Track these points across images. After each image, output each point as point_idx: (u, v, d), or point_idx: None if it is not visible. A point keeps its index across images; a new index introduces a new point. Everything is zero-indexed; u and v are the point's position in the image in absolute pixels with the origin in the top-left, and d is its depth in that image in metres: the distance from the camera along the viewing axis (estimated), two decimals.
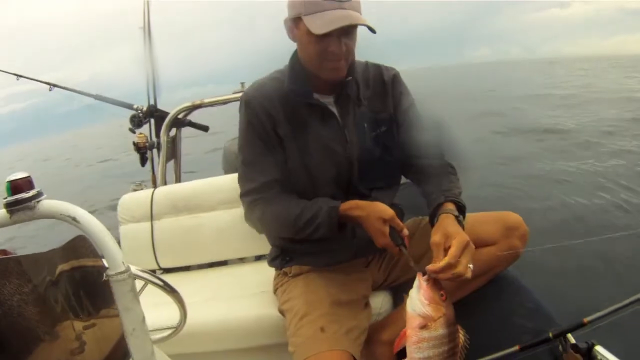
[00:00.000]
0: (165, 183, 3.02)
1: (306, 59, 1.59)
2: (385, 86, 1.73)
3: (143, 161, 3.02)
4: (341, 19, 1.44)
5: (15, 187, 0.87)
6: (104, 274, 0.90)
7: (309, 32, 1.46)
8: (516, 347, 1.08)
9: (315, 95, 1.63)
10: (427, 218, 1.66)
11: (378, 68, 1.75)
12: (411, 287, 1.26)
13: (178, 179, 3.23)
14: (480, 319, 1.62)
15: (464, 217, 1.53)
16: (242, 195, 1.69)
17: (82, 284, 1.02)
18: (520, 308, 1.68)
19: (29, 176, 0.88)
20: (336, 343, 1.48)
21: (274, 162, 1.64)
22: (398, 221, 1.47)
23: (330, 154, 1.64)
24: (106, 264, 0.90)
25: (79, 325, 1.00)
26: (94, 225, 0.89)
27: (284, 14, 1.57)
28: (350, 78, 1.63)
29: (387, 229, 1.46)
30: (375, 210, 1.49)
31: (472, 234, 1.54)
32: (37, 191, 0.88)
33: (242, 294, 2.09)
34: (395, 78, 1.75)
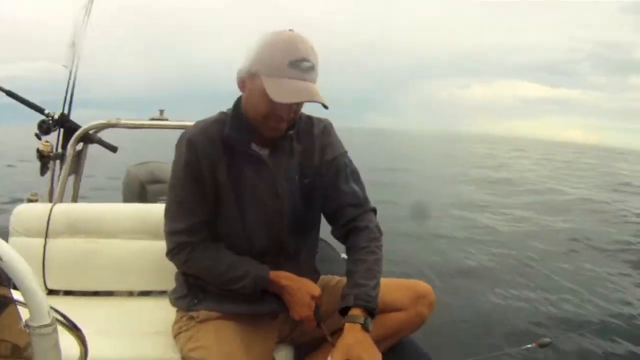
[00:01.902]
0: (62, 198, 2.81)
1: (251, 113, 1.59)
2: (313, 138, 1.75)
3: (43, 170, 2.79)
4: (302, 93, 1.47)
5: None
6: (23, 323, 0.80)
7: (263, 92, 1.46)
8: None
9: (254, 147, 1.64)
10: (336, 278, 1.82)
11: (310, 120, 1.78)
12: (314, 345, 1.65)
13: (76, 196, 3.02)
14: None
15: (373, 317, 1.57)
16: (168, 233, 1.67)
17: None
18: None
19: None
20: None
21: (205, 206, 1.63)
22: (321, 299, 1.65)
23: (262, 206, 1.66)
24: (24, 314, 0.80)
25: None
26: (18, 264, 0.78)
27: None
28: (290, 133, 1.65)
29: (313, 304, 1.62)
30: (305, 285, 1.65)
31: (382, 300, 1.66)
32: None
33: (135, 331, 1.95)
34: (325, 129, 1.78)
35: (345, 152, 1.80)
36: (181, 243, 1.64)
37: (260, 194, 1.66)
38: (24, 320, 0.81)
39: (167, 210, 1.69)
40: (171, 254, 1.68)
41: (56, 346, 0.82)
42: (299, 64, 1.46)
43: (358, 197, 1.76)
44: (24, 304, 0.86)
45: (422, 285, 1.82)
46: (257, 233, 1.69)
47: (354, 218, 1.73)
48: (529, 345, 1.62)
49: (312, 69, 1.49)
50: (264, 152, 1.66)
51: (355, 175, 1.79)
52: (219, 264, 1.64)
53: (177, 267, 1.80)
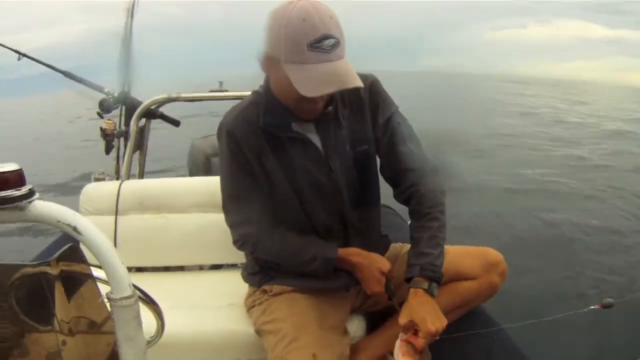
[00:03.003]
0: (129, 175, 2.84)
1: (282, 98, 1.47)
2: (362, 100, 1.60)
3: (108, 149, 2.83)
4: (331, 81, 1.31)
5: (2, 181, 0.73)
6: (105, 295, 0.77)
7: (290, 81, 1.32)
8: None
9: (294, 127, 1.52)
10: (406, 246, 1.72)
11: None
12: (386, 314, 1.70)
13: (142, 172, 3.06)
14: None
15: (438, 282, 1.53)
16: (230, 226, 1.65)
17: (66, 290, 0.87)
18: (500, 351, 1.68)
19: (20, 169, 0.74)
20: None
21: (260, 194, 1.57)
22: (392, 273, 1.61)
23: (317, 186, 1.58)
24: (106, 287, 0.77)
25: (57, 338, 0.85)
26: (98, 239, 0.76)
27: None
28: (330, 108, 1.53)
29: (383, 280, 1.59)
30: (375, 260, 1.61)
31: (453, 268, 1.63)
32: (29, 189, 0.74)
33: (207, 305, 1.96)
34: (372, 87, 1.61)
35: (397, 108, 1.65)
36: (244, 235, 1.62)
37: (313, 173, 1.57)
38: (104, 295, 0.78)
39: (223, 204, 1.65)
40: (237, 244, 1.66)
41: (137, 317, 0.81)
42: (320, 44, 1.28)
43: (417, 159, 1.64)
44: (102, 281, 0.84)
45: (493, 253, 1.75)
46: (317, 213, 1.62)
47: (415, 182, 1.64)
48: (592, 307, 1.52)
49: (336, 44, 1.31)
50: (309, 129, 1.55)
51: (410, 133, 1.66)
52: (286, 250, 1.61)
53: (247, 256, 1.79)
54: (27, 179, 0.73)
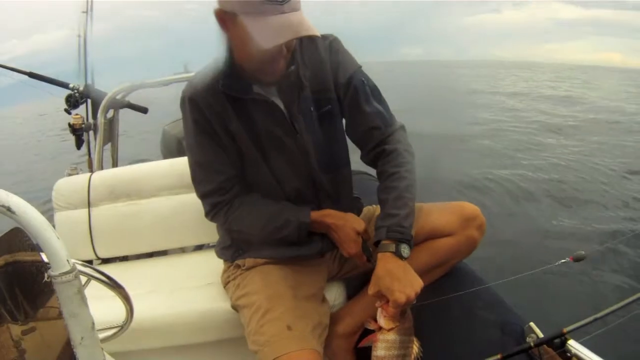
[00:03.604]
0: (102, 167, 2.82)
1: (242, 57, 1.43)
2: (322, 61, 1.57)
3: (79, 144, 2.81)
4: (285, 30, 1.27)
5: None
6: (46, 274, 0.77)
7: (248, 34, 1.28)
8: (498, 356, 1.07)
9: (256, 89, 1.49)
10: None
11: (313, 41, 1.58)
12: (365, 279, 1.55)
13: (115, 163, 3.03)
14: (454, 324, 1.62)
15: (409, 244, 1.46)
16: (201, 197, 1.61)
17: (17, 281, 0.87)
18: (486, 307, 1.67)
19: None
20: (305, 342, 1.42)
21: (228, 160, 1.55)
22: (369, 233, 1.57)
23: (283, 148, 1.56)
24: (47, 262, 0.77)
25: (16, 330, 0.85)
26: (32, 216, 0.74)
27: None
28: (292, 68, 1.50)
29: (360, 240, 1.56)
30: (350, 221, 1.57)
31: (428, 226, 1.62)
32: None
33: (186, 286, 1.97)
34: (332, 47, 1.60)
35: (360, 67, 1.62)
36: (215, 204, 1.59)
37: (278, 136, 1.54)
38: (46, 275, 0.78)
39: (192, 175, 1.62)
40: (209, 215, 1.63)
41: (80, 293, 0.79)
42: None
43: (383, 117, 1.61)
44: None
45: (470, 207, 1.71)
46: (286, 176, 1.60)
47: (381, 141, 1.61)
48: (563, 260, 1.53)
49: None
50: (271, 92, 1.52)
51: (375, 92, 1.63)
52: (259, 217, 1.58)
53: (219, 226, 1.77)
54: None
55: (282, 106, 1.53)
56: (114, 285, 1.15)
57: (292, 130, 1.55)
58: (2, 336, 0.85)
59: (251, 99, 1.49)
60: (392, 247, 1.43)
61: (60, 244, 0.76)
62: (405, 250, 1.43)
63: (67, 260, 0.76)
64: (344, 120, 1.67)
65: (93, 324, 0.83)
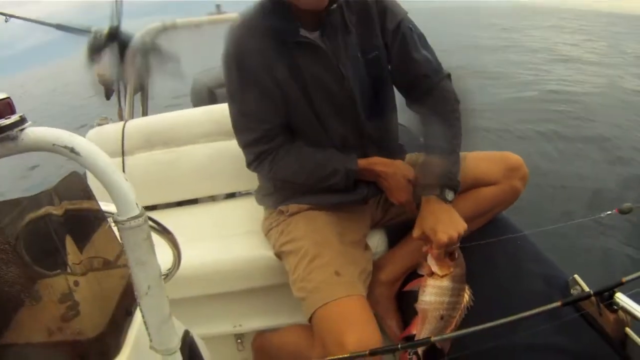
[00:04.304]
0: (132, 115, 2.78)
1: None
2: (368, 6, 1.53)
3: (108, 93, 2.73)
4: None
5: None
6: (111, 219, 0.73)
7: None
8: (558, 303, 1.03)
9: (303, 32, 1.44)
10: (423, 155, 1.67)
11: None
12: (407, 227, 1.56)
13: (145, 112, 2.98)
14: (499, 275, 1.59)
15: (455, 190, 1.48)
16: (244, 146, 1.57)
17: (74, 230, 0.84)
18: (528, 258, 1.64)
19: (8, 97, 0.68)
20: (353, 287, 1.41)
21: (273, 108, 1.50)
22: (416, 180, 1.57)
23: (330, 95, 1.51)
24: (112, 209, 0.73)
25: (70, 280, 0.83)
26: (99, 157, 0.70)
27: None
28: (334, 6, 1.44)
29: (410, 188, 1.55)
30: (400, 168, 1.58)
31: (472, 174, 1.59)
32: (20, 116, 0.68)
33: (225, 234, 1.96)
34: None
35: (406, 13, 1.58)
36: (259, 153, 1.55)
37: (324, 81, 1.50)
38: (110, 219, 0.74)
39: (234, 124, 1.58)
40: (252, 165, 1.60)
41: (149, 239, 0.75)
42: None
43: (432, 65, 1.60)
44: (110, 213, 0.81)
45: (514, 158, 1.70)
46: (332, 123, 1.56)
47: (430, 88, 1.59)
48: (609, 212, 1.47)
49: None
50: (316, 36, 1.47)
51: (422, 39, 1.61)
52: (305, 166, 1.55)
53: (263, 177, 1.74)
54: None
55: (329, 51, 1.48)
56: (162, 230, 1.12)
57: (339, 76, 1.50)
58: (57, 286, 0.83)
59: (297, 44, 1.44)
60: (437, 190, 1.44)
61: (128, 186, 0.72)
62: (449, 194, 1.44)
63: (137, 204, 0.72)
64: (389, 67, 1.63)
65: (160, 272, 0.79)
